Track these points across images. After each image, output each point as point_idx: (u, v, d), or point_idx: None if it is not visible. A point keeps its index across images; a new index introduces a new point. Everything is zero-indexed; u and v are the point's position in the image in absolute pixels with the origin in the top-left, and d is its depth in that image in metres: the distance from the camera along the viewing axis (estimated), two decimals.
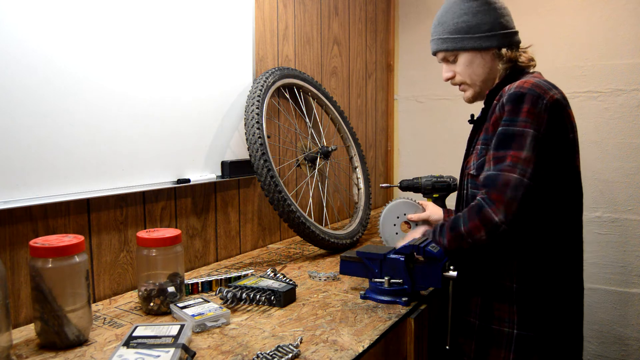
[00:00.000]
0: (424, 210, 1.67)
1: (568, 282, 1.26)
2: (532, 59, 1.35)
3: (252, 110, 1.63)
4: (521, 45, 1.37)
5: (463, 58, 1.34)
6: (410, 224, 1.70)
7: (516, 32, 1.36)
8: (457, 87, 1.42)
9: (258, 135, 1.60)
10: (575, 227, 1.28)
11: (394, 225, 1.71)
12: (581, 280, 1.31)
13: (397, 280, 1.29)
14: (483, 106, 1.38)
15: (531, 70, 1.36)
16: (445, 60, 1.39)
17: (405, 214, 1.70)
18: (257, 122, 1.61)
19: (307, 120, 2.06)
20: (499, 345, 1.26)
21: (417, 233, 1.43)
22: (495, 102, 1.27)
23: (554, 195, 1.22)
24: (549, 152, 1.18)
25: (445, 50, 1.35)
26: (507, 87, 1.25)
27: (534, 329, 1.23)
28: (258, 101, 1.66)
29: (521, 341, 1.24)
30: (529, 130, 1.16)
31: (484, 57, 1.33)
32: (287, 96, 1.98)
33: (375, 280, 1.32)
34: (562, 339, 1.25)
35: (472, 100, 1.40)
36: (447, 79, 1.40)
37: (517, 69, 1.33)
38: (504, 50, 1.32)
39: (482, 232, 1.17)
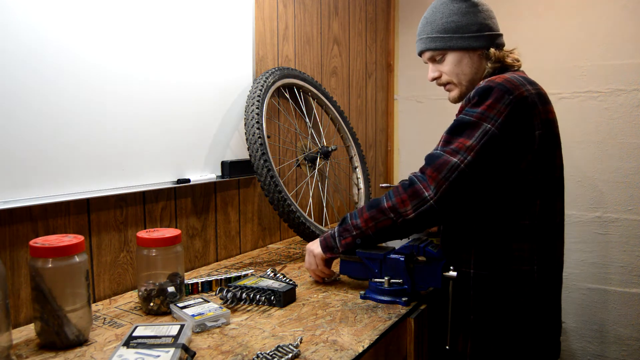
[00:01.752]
0: None
1: (531, 269, 1.26)
2: (517, 60, 1.37)
3: (252, 110, 1.63)
4: (506, 48, 1.40)
5: (451, 57, 1.36)
6: None
7: (501, 35, 1.39)
8: (443, 87, 1.44)
9: (258, 135, 1.60)
10: (546, 217, 1.27)
11: None
12: (557, 272, 1.32)
13: (397, 280, 1.29)
14: None
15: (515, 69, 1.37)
16: (432, 59, 1.41)
17: None
18: (257, 122, 1.62)
19: (307, 120, 2.06)
20: (462, 332, 1.31)
21: None
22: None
23: (510, 186, 1.23)
24: (503, 143, 1.19)
25: (434, 49, 1.37)
26: (482, 81, 1.27)
27: (490, 315, 1.26)
28: (258, 101, 1.66)
29: (478, 327, 1.28)
30: (482, 123, 1.19)
31: (472, 57, 1.36)
32: (287, 96, 1.98)
33: (375, 280, 1.32)
34: (523, 326, 1.26)
35: (457, 100, 1.42)
36: (433, 79, 1.42)
37: (503, 68, 1.35)
38: (492, 50, 1.34)
39: (408, 206, 1.19)
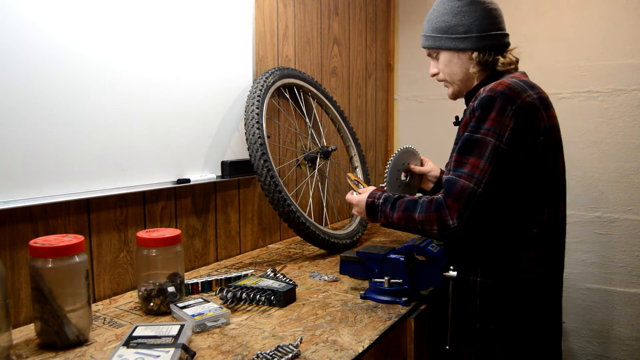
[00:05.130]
0: (422, 163, 1.71)
1: (538, 277, 1.26)
2: (512, 63, 1.33)
3: (252, 110, 1.63)
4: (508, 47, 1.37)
5: (443, 57, 1.38)
6: (407, 173, 1.70)
7: (497, 35, 1.32)
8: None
9: (258, 135, 1.60)
10: (552, 224, 1.27)
11: (398, 170, 1.69)
12: (559, 277, 1.33)
13: (397, 280, 1.29)
14: (465, 107, 1.39)
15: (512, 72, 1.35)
16: (430, 56, 1.44)
17: (407, 164, 1.70)
18: (257, 122, 1.62)
19: (307, 120, 2.06)
20: (466, 340, 1.30)
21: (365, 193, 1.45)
22: (471, 103, 1.28)
23: (519, 196, 1.23)
24: (513, 157, 1.20)
25: (428, 47, 1.41)
26: (483, 88, 1.26)
27: (495, 322, 1.26)
28: (258, 101, 1.66)
29: (483, 334, 1.27)
30: (489, 140, 1.19)
31: (461, 58, 1.35)
32: (287, 96, 1.98)
33: (375, 280, 1.32)
34: (528, 333, 1.26)
35: (454, 97, 1.45)
36: (433, 75, 1.45)
37: (495, 73, 1.33)
38: (475, 54, 1.32)
39: (434, 227, 1.23)
